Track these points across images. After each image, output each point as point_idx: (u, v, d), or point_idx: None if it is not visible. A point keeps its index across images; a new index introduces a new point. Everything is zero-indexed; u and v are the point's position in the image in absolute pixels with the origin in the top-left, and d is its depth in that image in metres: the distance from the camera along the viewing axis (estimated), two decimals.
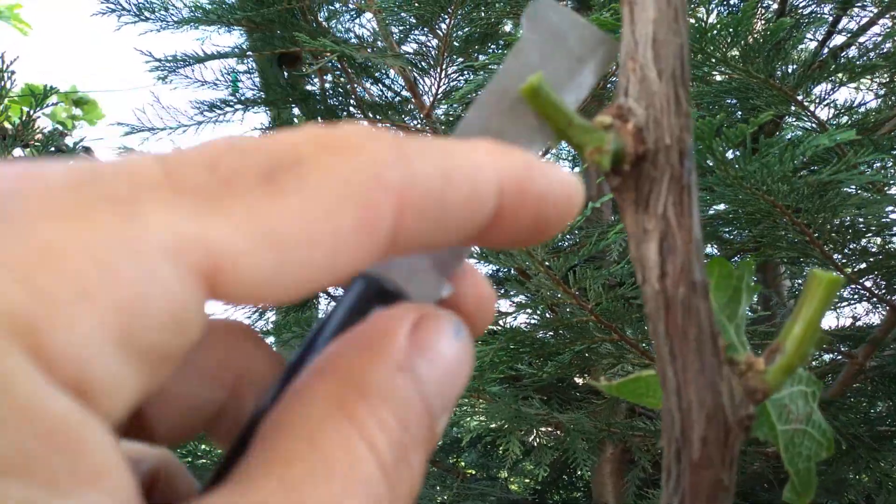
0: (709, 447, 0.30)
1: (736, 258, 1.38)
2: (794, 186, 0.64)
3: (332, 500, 0.14)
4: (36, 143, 1.48)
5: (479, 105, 0.28)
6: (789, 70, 0.94)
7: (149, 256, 0.13)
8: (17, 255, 0.12)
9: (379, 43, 1.40)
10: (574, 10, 0.30)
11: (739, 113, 1.12)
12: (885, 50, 1.42)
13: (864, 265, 1.08)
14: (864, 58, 0.98)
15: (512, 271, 1.43)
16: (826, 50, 1.64)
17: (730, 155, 0.65)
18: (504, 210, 0.18)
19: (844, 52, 1.64)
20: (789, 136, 0.60)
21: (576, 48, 0.30)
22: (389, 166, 0.16)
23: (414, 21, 1.41)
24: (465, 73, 1.47)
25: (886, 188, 0.99)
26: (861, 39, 1.68)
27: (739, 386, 0.30)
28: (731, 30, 0.67)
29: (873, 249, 0.98)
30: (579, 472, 1.76)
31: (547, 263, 0.72)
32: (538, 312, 0.88)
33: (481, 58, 1.61)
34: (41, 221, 0.12)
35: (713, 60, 0.74)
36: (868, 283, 1.14)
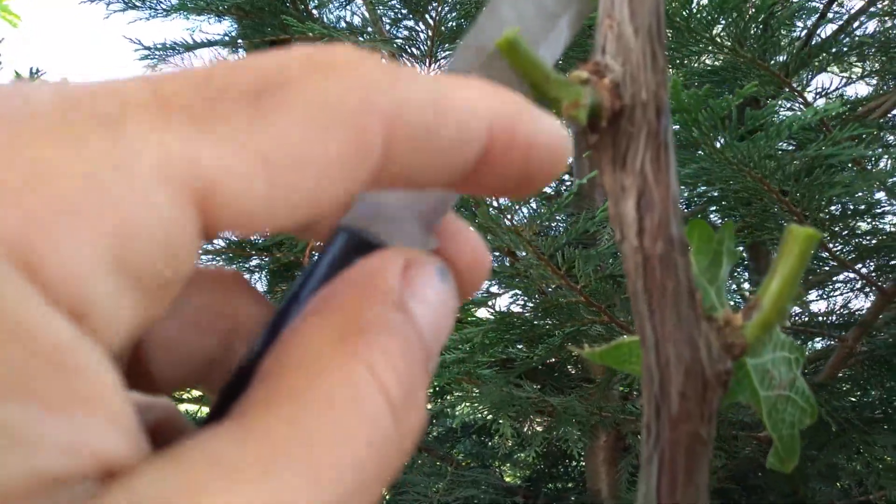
0: (687, 402, 0.30)
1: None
2: (781, 163, 0.64)
3: (338, 433, 0.14)
4: None
5: (454, 61, 0.28)
6: (779, 53, 0.94)
7: (140, 177, 0.13)
8: (5, 178, 0.12)
9: (369, 29, 1.39)
10: None
11: (728, 92, 1.12)
12: (869, 31, 1.43)
13: (854, 247, 1.08)
14: (851, 39, 0.98)
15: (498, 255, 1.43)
16: (815, 38, 1.64)
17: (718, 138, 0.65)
18: (492, 151, 0.18)
19: (835, 38, 1.65)
20: (767, 110, 0.60)
21: (550, 4, 0.30)
22: (380, 90, 0.15)
23: (404, 11, 1.40)
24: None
25: (869, 165, 0.99)
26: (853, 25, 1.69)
27: (717, 341, 0.30)
28: (717, 7, 0.67)
29: (862, 230, 0.99)
30: (574, 463, 1.77)
31: (535, 244, 0.72)
32: (528, 294, 0.88)
33: None
34: (29, 143, 0.12)
35: (701, 39, 0.73)
36: (858, 266, 1.15)
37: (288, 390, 0.15)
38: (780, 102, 0.91)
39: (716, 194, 0.73)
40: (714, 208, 0.90)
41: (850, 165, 0.77)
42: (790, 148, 0.79)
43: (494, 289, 0.91)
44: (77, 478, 0.12)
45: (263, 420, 0.14)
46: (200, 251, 0.15)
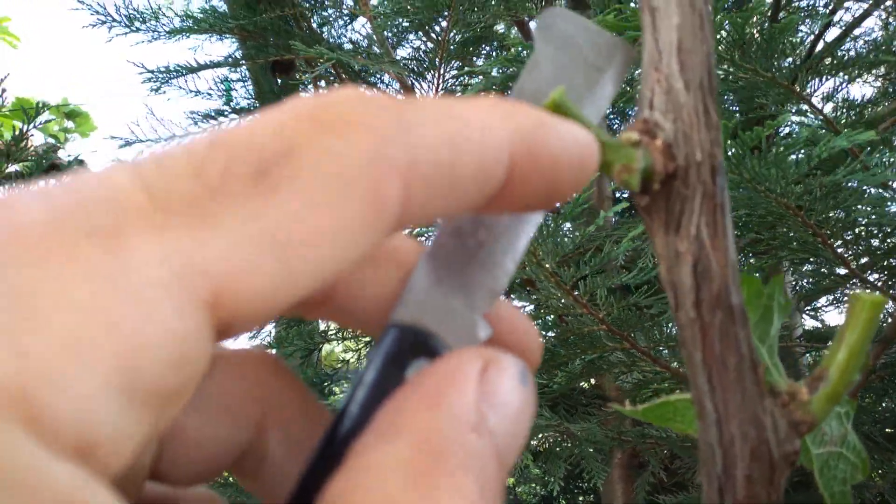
0: (754, 485, 0.28)
1: (741, 257, 1.36)
2: (809, 188, 0.62)
3: None
4: (30, 160, 1.46)
5: None
6: (789, 64, 0.93)
7: (143, 294, 0.12)
8: None
9: (374, 48, 1.38)
10: (580, 15, 0.28)
11: (739, 113, 1.11)
12: (876, 38, 1.41)
13: (868, 261, 1.06)
14: (869, 53, 0.97)
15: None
16: (822, 43, 1.63)
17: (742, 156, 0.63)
18: (515, 173, 0.17)
19: (841, 46, 1.63)
20: (800, 135, 0.59)
21: (592, 57, 0.28)
22: (391, 139, 0.14)
23: (408, 25, 1.39)
24: (462, 76, 1.45)
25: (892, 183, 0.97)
26: (856, 32, 1.67)
27: (783, 418, 0.28)
28: (738, 30, 0.65)
29: (884, 248, 0.97)
30: (589, 483, 1.75)
31: (556, 274, 0.70)
32: (547, 322, 0.86)
33: (478, 62, 1.59)
34: (20, 268, 0.11)
35: (722, 61, 0.72)
36: (878, 281, 1.13)
37: None
38: (797, 119, 0.89)
39: (735, 220, 0.71)
40: (738, 233, 0.89)
41: (878, 188, 0.76)
42: (816, 172, 0.78)
43: None
44: None
45: None
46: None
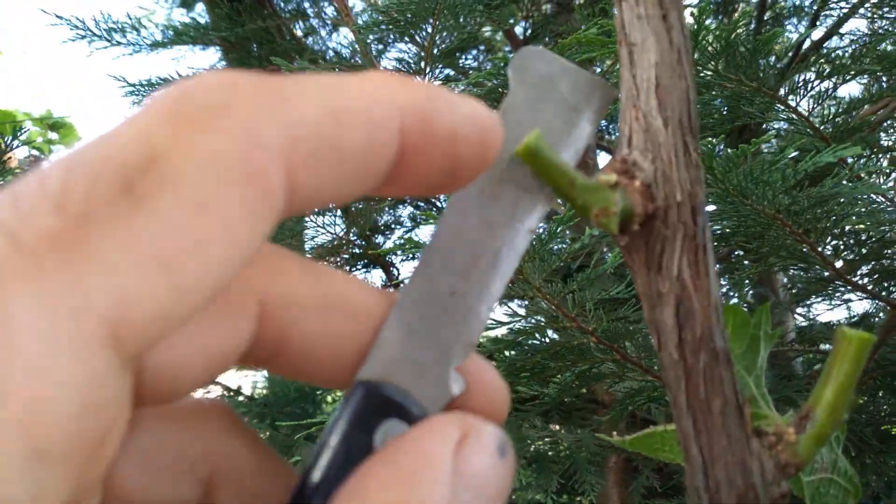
0: None
1: (732, 253, 1.36)
2: (796, 199, 0.62)
3: None
4: (12, 172, 1.44)
5: None
6: (774, 72, 0.92)
7: (29, 351, 0.11)
8: None
9: (358, 59, 1.37)
10: (562, 57, 0.27)
11: (725, 109, 1.10)
12: (861, 41, 1.41)
13: (862, 267, 1.06)
14: (854, 58, 0.97)
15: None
16: (808, 42, 1.63)
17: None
18: (409, 149, 0.16)
19: (827, 45, 1.63)
20: (784, 152, 0.59)
21: (569, 97, 0.27)
22: (266, 119, 0.13)
23: (393, 37, 1.38)
24: (450, 84, 1.44)
25: (868, 176, 0.97)
26: (842, 30, 1.68)
27: (770, 461, 0.28)
28: (722, 41, 0.65)
29: (871, 249, 0.97)
30: (586, 488, 1.75)
31: (544, 290, 0.69)
32: (536, 338, 0.86)
33: (465, 62, 1.59)
34: None
35: (706, 72, 0.71)
36: (868, 284, 1.13)
37: None
38: (783, 130, 0.89)
39: (728, 231, 0.71)
40: (717, 242, 0.88)
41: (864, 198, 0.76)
42: (793, 183, 0.78)
43: (502, 332, 0.89)
44: None
45: None
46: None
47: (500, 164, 0.26)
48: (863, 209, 0.70)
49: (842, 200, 0.70)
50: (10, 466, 0.11)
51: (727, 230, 0.72)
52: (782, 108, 0.89)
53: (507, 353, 0.83)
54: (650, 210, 0.28)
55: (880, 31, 1.45)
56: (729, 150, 0.53)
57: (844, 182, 0.62)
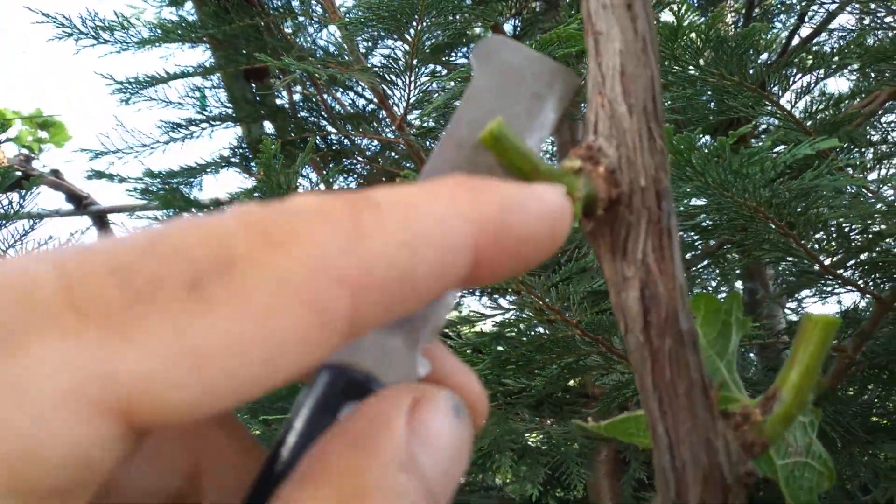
0: None
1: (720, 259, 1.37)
2: (776, 192, 0.62)
3: None
4: (2, 169, 1.43)
5: (436, 158, 0.25)
6: (758, 66, 0.93)
7: (37, 400, 0.11)
8: None
9: (345, 56, 1.37)
10: (524, 44, 0.28)
11: (712, 103, 1.11)
12: (847, 36, 1.42)
13: (843, 257, 1.07)
14: (841, 50, 0.97)
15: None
16: (795, 41, 1.64)
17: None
18: (481, 259, 0.16)
19: (815, 42, 1.64)
20: (765, 146, 0.59)
21: (532, 85, 0.27)
22: (340, 253, 0.14)
23: (380, 33, 1.38)
24: (436, 82, 1.44)
25: (854, 172, 0.98)
26: (831, 26, 1.68)
27: (735, 441, 0.28)
28: (703, 35, 0.65)
29: (857, 243, 0.97)
30: (574, 480, 1.75)
31: (527, 283, 0.70)
32: (521, 330, 0.86)
33: (453, 59, 1.59)
34: None
35: (687, 67, 0.72)
36: (852, 276, 1.13)
37: None
38: (768, 121, 0.90)
39: (709, 223, 0.71)
40: (696, 238, 0.89)
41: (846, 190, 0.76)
42: (784, 176, 0.78)
43: (487, 326, 0.89)
44: None
45: None
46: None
47: (466, 152, 0.26)
48: (844, 201, 0.70)
49: (823, 193, 0.71)
50: None
51: (710, 223, 0.72)
52: (766, 102, 0.89)
53: (492, 346, 0.83)
54: (614, 195, 0.28)
55: (867, 26, 1.46)
56: (707, 142, 0.53)
57: (825, 174, 0.63)
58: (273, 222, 0.14)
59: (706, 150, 0.53)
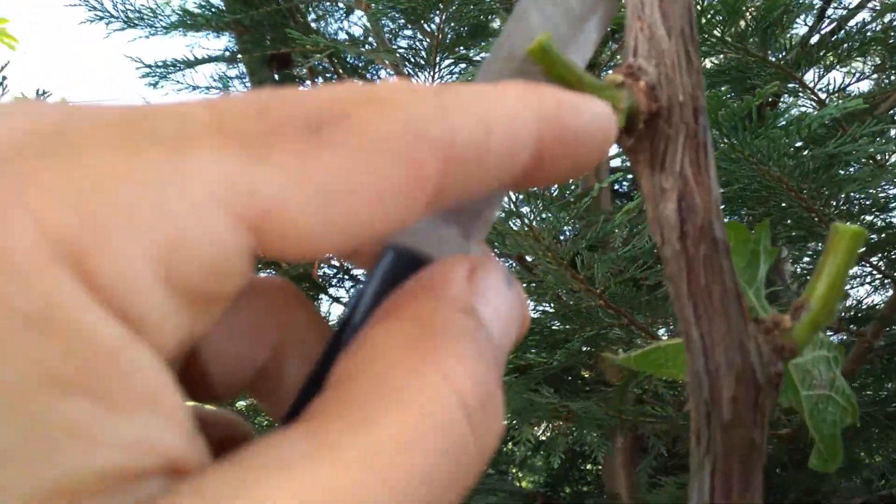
0: (739, 407, 0.29)
1: None
2: (800, 161, 0.63)
3: (410, 439, 0.14)
4: None
5: (485, 70, 0.27)
6: (784, 51, 0.94)
7: (196, 196, 0.13)
8: (68, 182, 0.12)
9: (371, 40, 1.39)
10: None
11: (732, 94, 1.12)
12: (876, 28, 1.42)
13: (868, 243, 1.07)
14: (856, 39, 0.98)
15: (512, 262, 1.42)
16: (817, 35, 1.64)
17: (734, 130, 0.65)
18: (542, 152, 0.18)
19: (835, 34, 1.64)
20: (790, 108, 0.60)
21: (576, 7, 0.29)
22: (431, 121, 0.15)
23: (403, 21, 1.40)
24: (458, 68, 1.46)
25: (887, 161, 0.98)
26: (850, 23, 1.68)
27: (767, 344, 0.30)
28: (725, 14, 0.66)
29: (878, 225, 0.98)
30: (589, 466, 1.76)
31: (553, 249, 0.71)
32: (546, 300, 0.87)
33: (473, 53, 1.60)
34: (93, 152, 0.12)
35: (710, 42, 0.73)
36: (873, 260, 1.14)
37: (358, 396, 0.14)
38: (791, 99, 0.90)
39: (731, 194, 0.73)
40: (727, 205, 0.90)
41: (868, 161, 0.77)
42: (800, 144, 0.79)
43: None
44: (143, 475, 0.12)
45: (331, 423, 0.14)
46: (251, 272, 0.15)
47: (514, 64, 0.28)
48: (862, 182, 0.71)
49: (848, 168, 0.71)
50: (148, 273, 0.12)
51: (731, 194, 0.73)
52: (790, 81, 0.90)
53: None
54: (654, 109, 0.30)
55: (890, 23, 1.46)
56: (732, 103, 0.54)
57: (848, 143, 0.64)
58: (375, 91, 0.15)
59: (731, 111, 0.54)
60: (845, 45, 0.92)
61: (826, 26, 1.56)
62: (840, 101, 0.57)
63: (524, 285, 0.87)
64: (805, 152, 0.67)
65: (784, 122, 0.56)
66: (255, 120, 0.14)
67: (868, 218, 0.92)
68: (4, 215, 0.11)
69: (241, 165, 0.13)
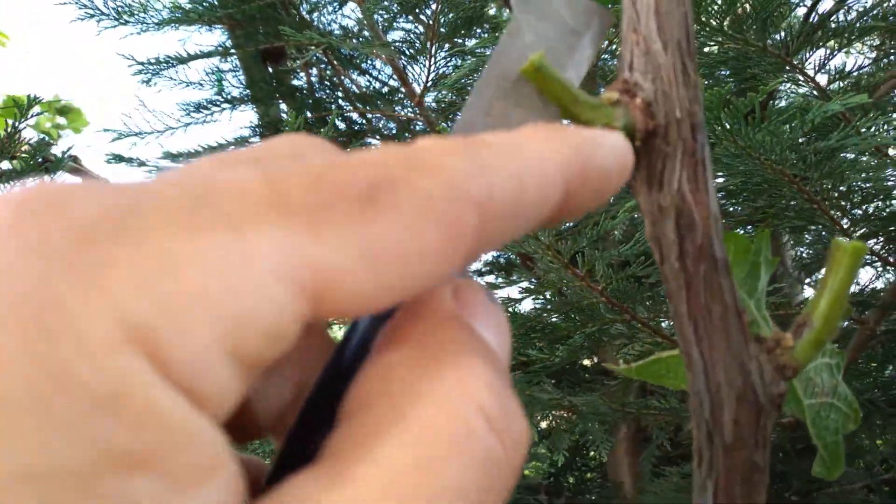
0: (741, 428, 0.29)
1: (739, 230, 1.37)
2: (802, 154, 0.62)
3: (431, 454, 0.14)
4: (23, 155, 1.46)
5: (479, 90, 0.27)
6: (782, 35, 0.93)
7: (260, 274, 0.13)
8: (137, 262, 0.12)
9: (365, 33, 1.37)
10: None
11: (733, 83, 1.11)
12: (877, 13, 1.41)
13: (869, 230, 1.07)
14: (859, 22, 0.97)
15: (512, 256, 1.42)
16: (815, 16, 1.62)
17: (736, 124, 0.64)
18: (570, 191, 0.19)
19: (834, 17, 1.62)
20: (794, 102, 0.59)
21: (570, 21, 0.29)
22: (469, 180, 0.16)
23: (398, 9, 1.39)
24: (454, 59, 1.44)
25: (891, 150, 0.98)
26: (850, 2, 1.66)
27: (769, 363, 0.29)
28: (723, 2, 0.65)
29: (883, 214, 0.97)
30: (592, 454, 1.76)
31: (554, 247, 0.70)
32: (546, 296, 0.87)
33: (469, 43, 1.59)
34: (160, 233, 0.13)
35: (708, 30, 0.72)
36: (875, 247, 1.13)
37: (374, 424, 0.15)
38: (791, 88, 0.89)
39: (732, 187, 0.72)
40: (727, 199, 0.89)
41: (871, 150, 0.76)
42: (808, 139, 0.78)
43: (515, 293, 0.89)
44: None
45: (350, 456, 0.14)
46: None
47: (507, 85, 0.27)
48: (864, 173, 0.70)
49: (846, 156, 0.71)
50: (214, 351, 0.13)
51: (732, 187, 0.73)
52: (789, 68, 0.89)
53: (517, 308, 0.84)
54: (651, 127, 0.29)
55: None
56: (735, 99, 0.53)
57: (850, 135, 0.63)
58: (414, 154, 0.16)
59: (733, 107, 0.54)
60: (845, 32, 0.91)
61: (824, 9, 1.54)
62: (842, 90, 0.56)
63: (525, 283, 0.87)
64: (807, 144, 0.66)
65: (786, 116, 0.55)
66: (310, 192, 0.15)
67: (871, 207, 0.92)
68: (84, 299, 0.12)
69: (300, 238, 0.14)
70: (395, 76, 1.33)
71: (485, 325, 0.18)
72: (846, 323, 1.41)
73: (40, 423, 0.11)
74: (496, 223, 0.17)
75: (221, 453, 0.13)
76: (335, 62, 1.63)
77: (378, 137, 1.77)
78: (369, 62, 1.67)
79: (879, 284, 1.37)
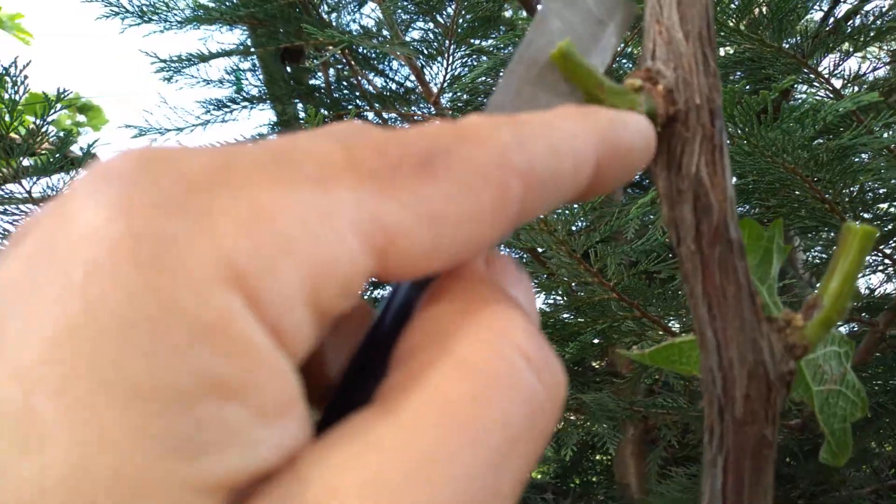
0: (752, 403, 0.30)
1: None
2: (814, 153, 0.63)
3: (478, 391, 0.15)
4: (43, 152, 1.48)
5: (508, 76, 0.28)
6: (798, 39, 0.93)
7: (340, 225, 0.14)
8: (236, 210, 0.14)
9: (384, 32, 1.39)
10: None
11: (747, 84, 1.11)
12: (892, 16, 1.41)
13: (881, 232, 1.07)
14: (873, 25, 0.97)
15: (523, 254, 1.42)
16: (832, 19, 1.62)
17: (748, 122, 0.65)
18: (600, 167, 0.20)
19: (851, 21, 1.63)
20: (807, 101, 0.60)
21: (595, 11, 0.30)
22: (513, 151, 0.17)
23: (415, 10, 1.40)
24: (471, 59, 1.46)
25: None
26: (866, 7, 1.67)
27: (779, 342, 0.30)
28: (740, 3, 0.67)
29: (892, 214, 0.98)
30: (598, 457, 1.76)
31: (568, 244, 0.72)
32: (558, 293, 0.88)
33: (486, 44, 1.61)
34: (254, 186, 0.14)
35: (725, 31, 0.73)
36: (886, 251, 1.14)
37: (424, 367, 0.16)
38: (805, 89, 0.90)
39: (744, 187, 0.73)
40: (739, 197, 0.90)
41: (882, 151, 0.77)
42: (820, 140, 0.79)
43: None
44: (274, 470, 0.14)
45: (404, 395, 0.15)
46: None
47: (535, 70, 0.28)
48: (882, 164, 0.71)
49: (861, 156, 0.71)
50: (297, 297, 0.14)
51: (747, 188, 0.74)
52: (804, 69, 0.90)
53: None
54: (671, 112, 0.30)
55: None
56: (748, 97, 0.55)
57: (863, 134, 0.64)
58: (462, 128, 0.18)
59: (746, 104, 0.55)
60: (861, 35, 0.91)
61: (841, 13, 1.55)
62: (855, 92, 0.57)
63: (536, 279, 0.88)
64: (819, 143, 0.67)
65: (798, 115, 0.56)
66: (379, 158, 0.16)
67: (882, 206, 0.92)
68: (193, 240, 0.13)
69: (372, 199, 0.15)
70: (411, 76, 1.34)
71: (515, 289, 0.19)
72: (856, 326, 1.41)
73: (151, 346, 0.12)
74: (536, 193, 0.18)
75: (298, 392, 0.14)
76: (353, 62, 1.65)
77: None
78: (386, 62, 1.69)
79: (890, 288, 1.37)
